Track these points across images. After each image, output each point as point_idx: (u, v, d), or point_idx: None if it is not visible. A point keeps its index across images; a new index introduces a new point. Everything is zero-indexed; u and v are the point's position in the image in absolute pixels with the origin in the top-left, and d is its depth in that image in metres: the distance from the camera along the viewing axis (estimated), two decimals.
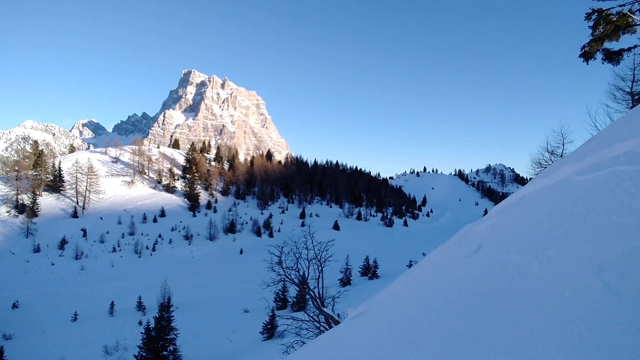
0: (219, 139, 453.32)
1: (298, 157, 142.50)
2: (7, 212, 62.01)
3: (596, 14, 9.36)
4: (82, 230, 62.35)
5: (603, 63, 10.13)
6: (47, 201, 68.27)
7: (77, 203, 70.33)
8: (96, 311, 36.98)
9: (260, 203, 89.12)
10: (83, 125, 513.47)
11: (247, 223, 74.38)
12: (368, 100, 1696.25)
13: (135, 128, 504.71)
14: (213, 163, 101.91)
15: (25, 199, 64.86)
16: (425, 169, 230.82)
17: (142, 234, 64.32)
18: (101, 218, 67.96)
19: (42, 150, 76.17)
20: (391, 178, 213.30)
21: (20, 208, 63.11)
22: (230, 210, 78.33)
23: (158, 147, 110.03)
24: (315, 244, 9.89)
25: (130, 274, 50.77)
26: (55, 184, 71.49)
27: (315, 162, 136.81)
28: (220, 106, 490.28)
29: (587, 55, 9.89)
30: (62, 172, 72.91)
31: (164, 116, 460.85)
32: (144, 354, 20.85)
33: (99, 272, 51.04)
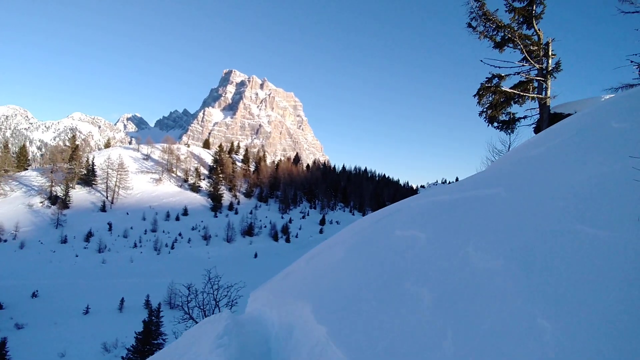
0: (255, 138, 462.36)
1: (325, 162, 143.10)
2: (41, 202, 65.52)
3: (496, 78, 9.04)
4: (108, 224, 64.89)
5: (499, 130, 9.71)
6: (79, 194, 71.62)
7: (107, 197, 73.39)
8: (107, 306, 38.21)
9: (282, 207, 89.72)
10: (127, 119, 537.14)
11: (265, 227, 75.01)
12: (405, 107, 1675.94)
13: (175, 124, 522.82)
14: (240, 164, 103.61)
15: (59, 190, 68.30)
16: (457, 179, 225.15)
17: (163, 232, 66.20)
18: (127, 213, 70.53)
19: (77, 145, 79.95)
20: (422, 187, 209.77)
21: (53, 199, 66.52)
22: (251, 212, 79.28)
23: (188, 146, 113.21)
24: (217, 287, 9.77)
25: (147, 270, 52.26)
26: (88, 178, 74.93)
27: (344, 168, 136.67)
28: (258, 106, 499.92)
29: (491, 119, 9.47)
30: (94, 167, 76.33)
31: (203, 114, 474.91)
32: (131, 357, 21.32)
33: (118, 266, 52.87)
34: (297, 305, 3.32)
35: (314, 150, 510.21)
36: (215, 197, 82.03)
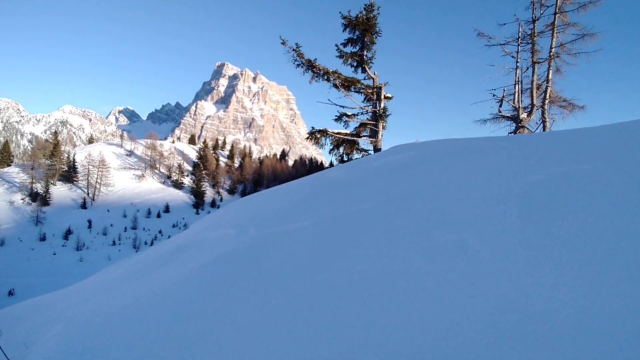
0: (247, 132, 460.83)
1: (312, 158, 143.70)
2: (22, 199, 65.97)
3: (345, 116, 10.08)
4: (88, 221, 65.54)
5: None
6: (59, 191, 72.03)
7: (87, 194, 73.94)
8: None
9: None
10: (119, 112, 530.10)
11: None
12: (401, 102, 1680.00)
13: (168, 117, 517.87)
14: (225, 160, 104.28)
15: (40, 187, 68.68)
16: None
17: (143, 229, 67.05)
18: (108, 210, 71.21)
19: (59, 141, 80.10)
20: None
21: (33, 196, 66.92)
22: None
23: (173, 142, 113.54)
24: None
25: None
26: (69, 175, 75.28)
27: (331, 163, 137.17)
28: (250, 99, 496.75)
29: (342, 158, 10.56)
30: (75, 163, 76.64)
31: (195, 107, 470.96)
32: None
33: (96, 264, 53.50)
34: None
35: (306, 144, 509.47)
36: (197, 194, 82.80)
